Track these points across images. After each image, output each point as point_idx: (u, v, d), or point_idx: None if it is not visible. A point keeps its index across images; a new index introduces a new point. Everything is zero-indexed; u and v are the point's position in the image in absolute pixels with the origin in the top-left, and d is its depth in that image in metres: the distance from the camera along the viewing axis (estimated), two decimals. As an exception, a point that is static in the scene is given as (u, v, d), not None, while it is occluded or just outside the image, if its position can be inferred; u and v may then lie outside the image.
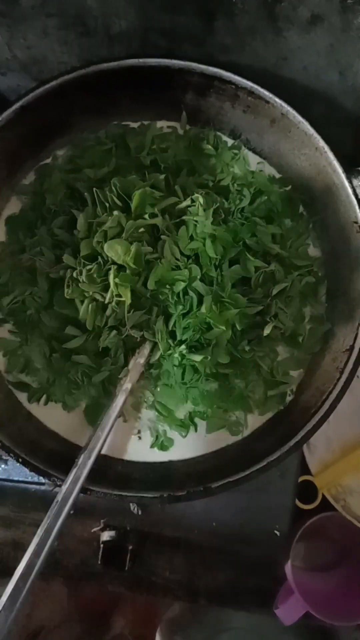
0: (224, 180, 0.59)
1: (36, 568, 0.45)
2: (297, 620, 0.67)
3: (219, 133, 0.63)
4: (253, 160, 0.63)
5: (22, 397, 0.58)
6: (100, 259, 0.52)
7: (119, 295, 0.51)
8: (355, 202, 0.54)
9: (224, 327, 0.53)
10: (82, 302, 0.53)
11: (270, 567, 0.70)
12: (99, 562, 0.67)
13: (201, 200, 0.53)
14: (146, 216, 0.52)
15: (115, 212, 0.51)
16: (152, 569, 0.71)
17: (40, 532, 0.46)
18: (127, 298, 0.51)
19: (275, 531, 0.64)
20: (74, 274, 0.52)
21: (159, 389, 0.57)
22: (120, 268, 0.51)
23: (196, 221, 0.53)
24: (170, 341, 0.54)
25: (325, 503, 0.68)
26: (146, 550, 0.70)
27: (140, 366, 0.54)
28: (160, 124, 0.63)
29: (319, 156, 0.55)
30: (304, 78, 0.59)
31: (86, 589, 0.89)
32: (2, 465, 0.63)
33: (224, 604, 0.72)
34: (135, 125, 0.63)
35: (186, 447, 0.58)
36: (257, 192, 0.60)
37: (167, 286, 0.53)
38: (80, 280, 0.51)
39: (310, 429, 0.52)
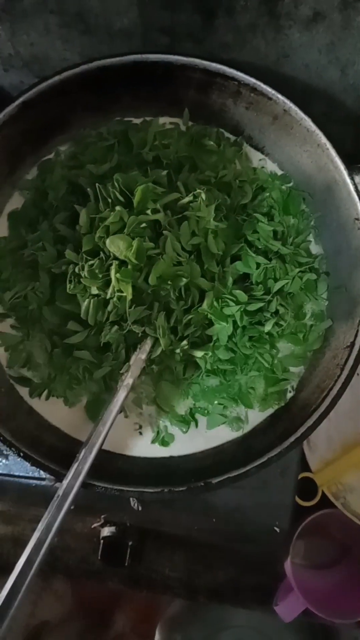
0: (226, 176, 0.59)
1: (36, 563, 0.45)
2: (296, 617, 0.67)
3: (221, 130, 0.63)
4: (255, 156, 0.63)
5: (23, 392, 0.58)
6: (102, 255, 0.52)
7: (121, 291, 0.51)
8: (356, 199, 0.54)
9: (225, 323, 0.53)
10: (83, 297, 0.53)
11: (270, 564, 0.70)
12: (99, 558, 0.67)
13: (203, 196, 0.53)
14: (148, 212, 0.52)
15: (118, 208, 0.51)
16: (152, 565, 0.71)
17: (41, 526, 0.46)
18: (128, 293, 0.51)
19: (275, 528, 0.64)
20: (76, 270, 0.52)
21: (160, 385, 0.57)
22: (122, 263, 0.51)
23: (198, 217, 0.53)
24: (171, 337, 0.54)
25: (325, 500, 0.69)
26: (146, 546, 0.70)
27: (142, 362, 0.54)
28: (162, 120, 0.63)
29: (321, 153, 0.56)
30: (305, 76, 0.60)
31: (87, 585, 0.89)
32: (3, 461, 0.63)
33: (223, 601, 0.72)
34: (137, 121, 0.63)
35: (187, 442, 0.58)
36: (259, 188, 0.60)
37: (169, 282, 0.53)
38: (82, 275, 0.52)
39: (310, 426, 0.52)
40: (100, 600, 0.93)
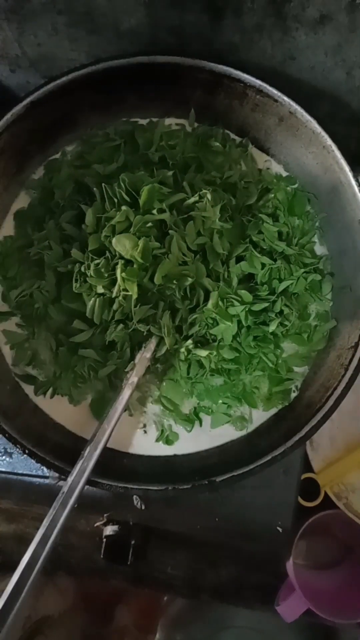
0: (232, 177, 0.59)
1: (40, 560, 0.45)
2: (298, 617, 0.67)
3: (227, 131, 0.63)
4: (260, 158, 0.64)
5: (28, 389, 0.58)
6: (108, 254, 0.52)
7: (126, 290, 0.51)
8: (361, 200, 0.54)
9: (229, 323, 0.54)
10: (89, 296, 0.53)
11: (272, 563, 0.70)
12: (102, 557, 0.67)
13: (209, 196, 0.53)
14: (154, 211, 0.52)
15: (124, 207, 0.52)
16: (155, 564, 0.71)
17: (46, 522, 0.46)
18: (133, 292, 0.51)
19: (278, 528, 0.64)
20: (82, 269, 0.53)
21: (164, 384, 0.58)
22: (128, 263, 0.51)
23: (204, 217, 0.53)
24: (176, 336, 0.54)
25: (327, 501, 0.69)
26: (149, 545, 0.70)
27: (147, 360, 0.54)
28: (168, 121, 0.63)
29: (326, 155, 0.56)
30: (311, 77, 0.60)
31: (90, 582, 0.89)
32: (7, 459, 0.63)
33: (226, 600, 0.72)
34: (143, 122, 0.63)
35: (191, 441, 0.58)
36: (264, 189, 0.61)
37: (174, 281, 0.53)
38: (88, 274, 0.52)
39: (314, 425, 0.52)
40: (102, 596, 0.93)
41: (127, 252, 0.50)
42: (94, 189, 0.55)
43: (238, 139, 0.63)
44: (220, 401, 0.58)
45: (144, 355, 0.54)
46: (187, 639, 0.92)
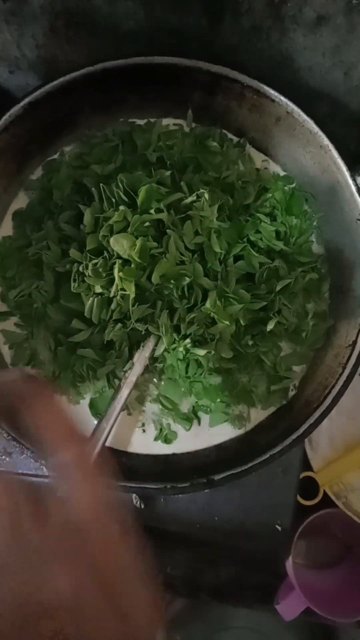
0: (229, 177, 0.59)
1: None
2: (297, 616, 0.68)
3: (224, 131, 0.63)
4: (258, 157, 0.64)
5: (28, 389, 0.58)
6: (106, 254, 0.53)
7: (124, 289, 0.51)
8: (358, 200, 0.54)
9: (227, 322, 0.54)
10: (87, 296, 0.53)
11: (271, 562, 0.70)
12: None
13: (207, 195, 0.53)
14: (152, 211, 0.53)
15: (122, 207, 0.52)
16: (153, 564, 0.71)
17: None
18: (131, 292, 0.51)
19: (277, 527, 0.64)
20: (80, 268, 0.53)
21: (163, 383, 0.58)
22: (125, 262, 0.52)
23: (201, 216, 0.53)
24: (174, 335, 0.54)
25: (326, 500, 0.69)
26: (148, 545, 0.70)
27: (145, 360, 0.54)
28: (166, 121, 0.63)
29: (324, 154, 0.56)
30: (309, 78, 0.60)
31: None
32: (7, 458, 0.64)
33: (225, 599, 0.72)
34: (141, 122, 0.63)
35: (190, 440, 0.58)
36: (262, 189, 0.61)
37: (172, 280, 0.53)
38: (86, 274, 0.52)
39: (312, 423, 0.52)
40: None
41: (124, 251, 0.51)
42: (93, 189, 0.56)
43: (236, 139, 0.64)
44: (219, 400, 0.58)
45: (143, 355, 0.54)
46: (186, 639, 0.92)
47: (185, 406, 0.59)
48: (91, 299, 0.53)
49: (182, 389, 0.58)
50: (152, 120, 0.63)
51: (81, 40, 0.59)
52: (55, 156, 0.63)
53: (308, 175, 0.61)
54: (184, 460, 0.58)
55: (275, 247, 0.57)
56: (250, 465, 0.51)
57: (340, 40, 0.54)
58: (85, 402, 0.58)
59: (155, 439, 0.58)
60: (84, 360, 0.56)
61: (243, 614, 0.86)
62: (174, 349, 0.55)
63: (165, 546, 0.71)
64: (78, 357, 0.56)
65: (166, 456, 0.58)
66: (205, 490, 0.52)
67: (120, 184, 0.53)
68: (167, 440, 0.58)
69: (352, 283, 0.57)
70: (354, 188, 0.54)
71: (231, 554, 0.70)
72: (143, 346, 0.55)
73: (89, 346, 0.56)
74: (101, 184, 0.54)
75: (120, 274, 0.50)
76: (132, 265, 0.51)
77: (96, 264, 0.52)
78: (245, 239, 0.57)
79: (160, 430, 0.58)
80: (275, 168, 0.64)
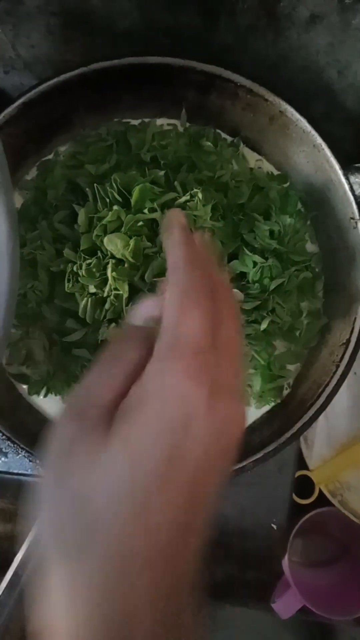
0: (223, 176, 0.59)
1: (33, 560, 0.45)
2: (293, 615, 0.68)
3: (218, 130, 0.63)
4: (252, 157, 0.64)
5: (22, 389, 0.58)
6: (99, 253, 0.53)
7: (117, 289, 0.52)
8: (352, 198, 0.54)
9: (222, 322, 0.54)
10: (82, 296, 0.54)
11: (267, 560, 0.70)
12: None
13: (200, 195, 0.53)
14: (146, 211, 0.53)
15: (115, 207, 0.52)
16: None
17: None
18: (124, 292, 0.51)
19: (273, 525, 0.64)
20: (74, 268, 0.53)
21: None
22: (119, 262, 0.52)
23: (195, 216, 0.54)
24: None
25: (322, 498, 0.69)
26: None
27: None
28: (160, 121, 0.63)
29: (317, 153, 0.56)
30: (304, 77, 0.60)
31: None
32: (2, 458, 0.64)
33: (221, 597, 0.72)
34: (136, 122, 0.63)
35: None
36: (256, 188, 0.61)
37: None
38: (80, 274, 0.52)
39: (306, 421, 0.52)
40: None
41: (118, 251, 0.51)
42: (87, 189, 0.56)
43: (230, 139, 0.64)
44: (214, 399, 0.58)
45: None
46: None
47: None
48: (85, 298, 0.53)
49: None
50: (147, 120, 0.63)
51: (76, 40, 0.59)
52: (50, 156, 0.63)
53: (302, 174, 0.61)
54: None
55: (269, 246, 0.57)
56: (244, 463, 0.51)
57: (334, 39, 0.55)
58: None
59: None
60: (79, 359, 0.56)
61: (239, 613, 0.86)
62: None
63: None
64: (73, 357, 0.56)
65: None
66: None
67: (114, 184, 0.53)
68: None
69: (345, 281, 0.57)
70: (347, 186, 0.55)
71: (227, 552, 0.70)
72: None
73: (84, 346, 0.56)
74: (95, 184, 0.54)
75: (114, 273, 0.51)
76: (126, 265, 0.51)
77: (90, 263, 0.52)
78: (239, 238, 0.57)
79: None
80: (269, 167, 0.64)
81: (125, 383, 0.26)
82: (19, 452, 0.52)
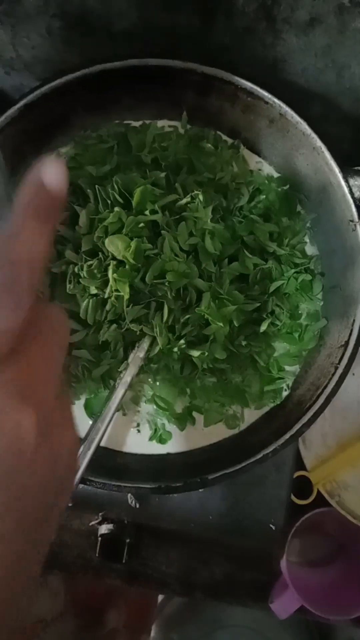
0: (223, 178, 0.60)
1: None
2: (291, 614, 0.68)
3: (218, 132, 0.64)
4: (252, 159, 0.64)
5: (23, 389, 0.58)
6: (101, 255, 0.53)
7: (118, 290, 0.52)
8: (351, 201, 0.55)
9: (221, 324, 0.54)
10: (83, 297, 0.54)
11: (265, 560, 0.71)
12: (97, 555, 0.67)
13: (201, 197, 0.54)
14: (146, 212, 0.53)
15: (116, 209, 0.52)
16: (149, 562, 0.71)
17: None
18: (125, 293, 0.51)
19: (271, 525, 0.64)
20: (76, 269, 0.53)
21: (157, 383, 0.58)
22: (120, 263, 0.52)
23: (196, 217, 0.54)
24: (169, 336, 0.54)
25: (320, 498, 0.69)
26: (143, 543, 0.71)
27: (140, 360, 0.54)
28: (161, 123, 0.63)
29: (317, 156, 0.56)
30: (302, 79, 0.60)
31: (82, 583, 0.90)
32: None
33: (219, 597, 0.73)
34: (136, 124, 0.63)
35: (184, 440, 0.59)
36: (256, 190, 0.61)
37: (166, 282, 0.54)
38: (81, 275, 0.52)
39: (305, 423, 0.53)
40: (94, 598, 0.93)
41: (119, 252, 0.51)
42: (88, 190, 0.56)
43: (230, 141, 0.64)
44: (213, 400, 0.58)
45: (137, 355, 0.55)
46: (182, 639, 0.93)
47: (179, 406, 0.59)
48: (86, 300, 0.53)
49: (177, 389, 0.58)
50: (147, 122, 0.63)
51: (75, 40, 0.59)
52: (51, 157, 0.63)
53: (301, 177, 0.61)
54: (179, 459, 0.58)
55: (269, 248, 0.58)
56: (243, 464, 0.51)
57: (332, 40, 0.55)
58: (80, 403, 0.59)
59: (150, 439, 0.59)
60: (79, 361, 0.56)
61: (238, 612, 0.86)
62: (168, 350, 0.55)
63: (159, 545, 0.71)
64: (73, 358, 0.56)
65: (161, 456, 0.58)
66: (200, 490, 0.52)
67: (115, 185, 0.54)
68: (161, 440, 0.58)
69: (344, 283, 0.57)
70: (346, 189, 0.55)
71: (225, 552, 0.71)
72: (138, 347, 0.55)
73: (84, 347, 0.56)
74: (96, 185, 0.54)
75: (115, 275, 0.51)
76: (127, 267, 0.51)
77: (91, 265, 0.52)
78: (238, 240, 0.58)
79: (155, 430, 0.59)
80: (269, 169, 0.64)
81: None
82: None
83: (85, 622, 0.91)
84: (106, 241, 0.51)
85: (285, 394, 0.60)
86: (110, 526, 0.67)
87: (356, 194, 0.55)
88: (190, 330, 0.55)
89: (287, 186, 0.63)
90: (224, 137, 0.64)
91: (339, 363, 0.53)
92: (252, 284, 0.57)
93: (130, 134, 0.61)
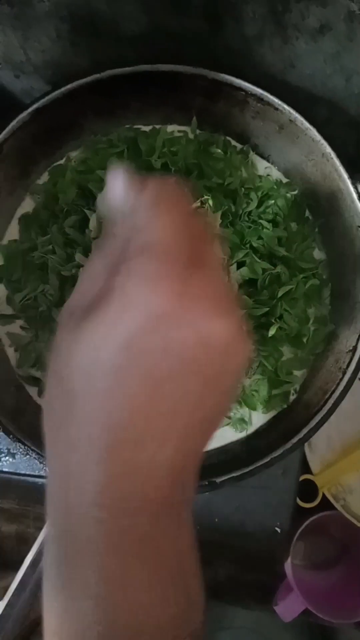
0: (232, 183, 0.60)
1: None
2: (295, 617, 0.68)
3: (228, 137, 0.64)
4: (261, 164, 0.65)
5: (32, 391, 0.59)
6: (110, 258, 0.53)
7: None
8: (359, 207, 0.55)
9: (230, 327, 0.54)
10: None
11: (270, 563, 0.71)
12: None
13: (210, 202, 0.54)
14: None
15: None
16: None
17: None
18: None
19: (276, 528, 0.65)
20: (85, 272, 0.53)
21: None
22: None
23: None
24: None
25: (325, 502, 0.70)
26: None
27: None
28: (170, 128, 0.64)
29: (326, 162, 0.57)
30: (310, 84, 0.60)
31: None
32: (10, 459, 0.64)
33: (224, 599, 0.73)
34: (146, 129, 0.64)
35: (191, 443, 0.59)
36: (265, 195, 0.61)
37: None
38: (91, 278, 0.53)
39: (312, 427, 0.53)
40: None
41: (129, 256, 0.51)
42: (98, 194, 0.56)
43: (239, 146, 0.64)
44: (221, 403, 0.58)
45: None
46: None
47: (187, 409, 0.59)
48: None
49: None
50: (157, 126, 0.64)
51: (84, 44, 0.59)
52: (61, 161, 0.63)
53: (310, 182, 0.61)
54: (186, 462, 0.58)
55: (278, 253, 0.58)
56: (251, 468, 0.52)
57: (341, 47, 0.55)
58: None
59: (158, 441, 0.59)
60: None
61: (240, 614, 0.86)
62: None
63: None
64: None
65: (168, 458, 0.59)
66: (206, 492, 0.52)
67: (125, 190, 0.54)
68: (169, 443, 0.58)
69: (352, 289, 0.57)
70: (354, 195, 0.55)
71: (230, 554, 0.71)
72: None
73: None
74: (106, 189, 0.55)
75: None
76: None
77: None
78: (247, 245, 0.58)
79: (163, 433, 0.59)
80: (278, 175, 0.65)
81: (107, 277, 0.26)
82: (29, 453, 0.53)
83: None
84: (116, 245, 0.51)
85: (292, 398, 0.60)
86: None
87: (365, 200, 0.55)
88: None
89: (296, 192, 0.63)
90: (233, 143, 0.64)
91: (346, 368, 0.54)
92: (261, 288, 0.58)
93: (140, 138, 0.62)
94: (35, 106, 0.55)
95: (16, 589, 0.46)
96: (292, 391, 0.60)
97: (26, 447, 0.52)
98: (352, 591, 0.72)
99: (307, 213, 0.63)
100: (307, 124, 0.55)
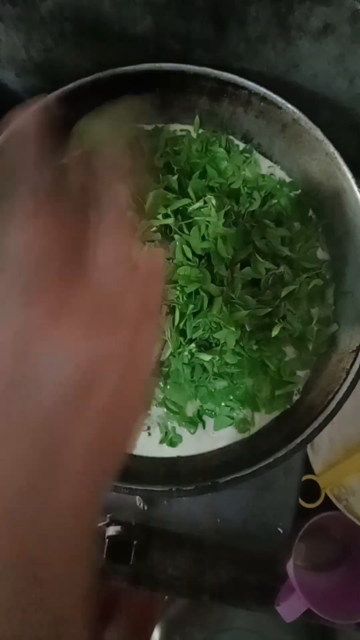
0: (235, 183, 0.60)
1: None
2: (297, 618, 0.68)
3: (231, 137, 0.64)
4: (264, 164, 0.65)
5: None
6: (113, 258, 0.53)
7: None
8: (363, 207, 0.55)
9: (233, 328, 0.54)
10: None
11: (272, 564, 0.71)
12: (104, 557, 0.67)
13: (214, 201, 0.54)
14: (159, 216, 0.53)
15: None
16: (156, 564, 0.71)
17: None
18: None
19: (279, 529, 0.65)
20: (88, 272, 0.53)
21: (168, 387, 0.58)
22: (133, 267, 0.52)
23: (208, 222, 0.54)
24: (180, 339, 0.55)
25: (327, 502, 0.69)
26: (151, 546, 0.71)
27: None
28: (173, 127, 0.64)
29: (329, 162, 0.57)
30: (314, 85, 0.60)
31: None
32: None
33: (226, 600, 0.72)
34: (149, 128, 0.64)
35: (194, 443, 0.59)
36: (268, 195, 0.61)
37: (178, 286, 0.54)
38: (94, 278, 0.52)
39: (315, 428, 0.53)
40: (99, 599, 0.93)
41: (132, 256, 0.51)
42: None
43: (242, 145, 0.64)
44: (223, 404, 0.58)
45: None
46: (186, 640, 0.93)
47: (190, 410, 0.59)
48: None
49: (187, 393, 0.58)
50: (160, 126, 0.63)
51: (89, 45, 0.59)
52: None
53: (313, 182, 0.61)
54: (189, 463, 0.58)
55: (281, 253, 0.58)
56: (254, 468, 0.51)
57: (344, 48, 0.55)
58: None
59: (161, 442, 0.59)
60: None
61: (243, 615, 0.86)
62: (179, 353, 0.55)
63: (167, 547, 0.71)
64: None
65: (171, 459, 0.59)
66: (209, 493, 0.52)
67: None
68: (172, 444, 0.58)
69: (355, 289, 0.57)
70: (358, 195, 0.55)
71: (232, 555, 0.71)
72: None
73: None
74: (108, 189, 0.54)
75: (127, 279, 0.51)
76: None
77: (103, 268, 0.52)
78: (250, 245, 0.58)
79: (166, 433, 0.59)
80: (281, 174, 0.64)
81: None
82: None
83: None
84: (119, 245, 0.51)
85: (295, 398, 0.60)
86: (117, 528, 0.67)
87: (368, 200, 0.55)
88: (202, 334, 0.55)
89: (299, 191, 0.63)
90: (237, 142, 0.64)
91: (350, 368, 0.53)
92: (264, 288, 0.57)
93: (143, 137, 0.62)
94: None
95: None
96: (295, 392, 0.60)
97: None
98: (354, 592, 0.72)
99: (310, 213, 0.63)
100: (310, 124, 0.55)
